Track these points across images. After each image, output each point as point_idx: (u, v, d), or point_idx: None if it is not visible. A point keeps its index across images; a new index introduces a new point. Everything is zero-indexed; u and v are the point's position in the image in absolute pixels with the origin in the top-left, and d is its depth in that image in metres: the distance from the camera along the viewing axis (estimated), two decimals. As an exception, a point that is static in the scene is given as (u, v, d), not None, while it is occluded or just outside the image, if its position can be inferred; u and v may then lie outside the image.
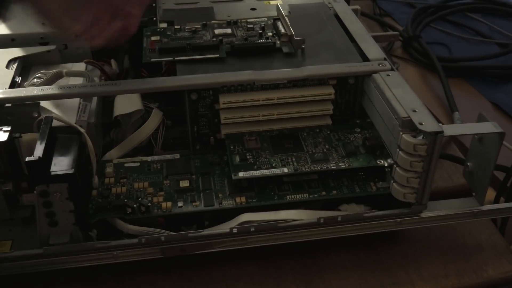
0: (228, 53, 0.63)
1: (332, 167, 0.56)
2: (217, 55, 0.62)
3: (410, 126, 0.51)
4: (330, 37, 0.68)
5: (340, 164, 0.57)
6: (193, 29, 0.67)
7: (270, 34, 0.67)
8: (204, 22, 0.68)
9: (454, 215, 0.56)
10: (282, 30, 0.67)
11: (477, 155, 0.56)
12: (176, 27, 0.68)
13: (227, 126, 0.61)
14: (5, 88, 0.59)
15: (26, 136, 0.53)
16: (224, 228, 0.54)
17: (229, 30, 0.67)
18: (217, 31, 0.67)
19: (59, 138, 0.53)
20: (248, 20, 0.70)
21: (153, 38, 0.66)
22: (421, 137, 0.51)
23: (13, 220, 0.55)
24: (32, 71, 0.64)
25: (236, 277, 0.55)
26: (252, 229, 0.53)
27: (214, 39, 0.65)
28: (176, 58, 0.62)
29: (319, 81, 0.61)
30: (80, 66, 0.66)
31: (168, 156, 0.62)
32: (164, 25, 0.72)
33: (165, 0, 0.78)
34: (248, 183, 0.57)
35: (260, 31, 0.67)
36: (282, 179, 0.58)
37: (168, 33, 0.67)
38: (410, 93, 0.55)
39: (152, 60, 0.62)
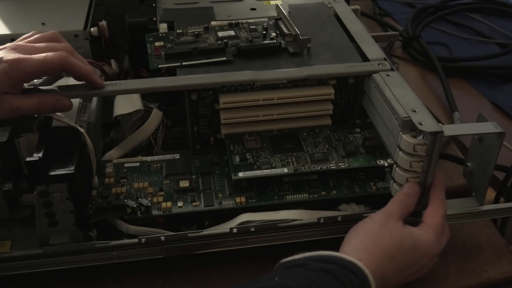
0: (235, 55, 0.63)
1: (332, 167, 0.56)
2: (224, 58, 0.62)
3: (410, 126, 0.51)
4: (330, 37, 0.68)
5: (340, 164, 0.57)
6: (196, 32, 0.67)
7: (274, 34, 0.67)
8: (206, 25, 0.68)
9: (454, 215, 0.56)
10: (285, 30, 0.67)
11: (477, 155, 0.56)
12: (178, 31, 0.67)
13: (227, 126, 0.61)
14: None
15: (26, 136, 0.53)
16: (224, 228, 0.54)
17: (232, 32, 0.67)
18: (220, 34, 0.66)
19: (59, 138, 0.53)
20: (249, 21, 0.70)
21: (156, 44, 0.65)
22: (421, 137, 0.51)
23: (13, 220, 0.55)
24: (32, 71, 0.64)
25: (236, 277, 0.55)
26: (252, 229, 0.53)
27: (219, 42, 0.64)
28: (184, 63, 0.61)
29: (319, 81, 0.61)
30: (80, 66, 0.66)
31: (168, 156, 0.62)
32: (164, 25, 0.71)
33: (165, 0, 0.78)
34: (248, 183, 0.57)
35: (264, 32, 0.67)
36: (282, 179, 0.58)
37: (171, 38, 0.67)
38: (410, 93, 0.55)
39: (160, 66, 0.62)
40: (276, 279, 0.45)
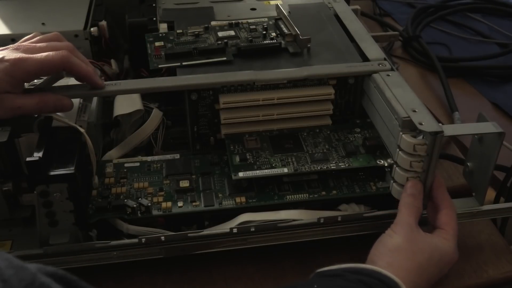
0: (235, 55, 0.63)
1: (332, 167, 0.57)
2: (224, 58, 0.62)
3: (410, 126, 0.51)
4: (330, 37, 0.68)
5: (340, 164, 0.57)
6: (196, 33, 0.67)
7: (274, 34, 0.67)
8: (206, 25, 0.68)
9: (454, 215, 0.56)
10: (285, 30, 0.67)
11: (477, 155, 0.56)
12: (178, 31, 0.67)
13: (227, 126, 0.61)
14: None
15: (26, 136, 0.53)
16: (224, 228, 0.54)
17: (232, 32, 0.67)
18: (220, 34, 0.66)
19: (59, 138, 0.53)
20: (249, 21, 0.70)
21: (156, 44, 0.65)
22: (421, 137, 0.51)
23: (13, 220, 0.55)
24: (32, 71, 0.64)
25: (236, 277, 0.55)
26: (252, 229, 0.53)
27: (219, 42, 0.64)
28: (184, 63, 0.61)
29: (319, 81, 0.61)
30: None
31: (168, 156, 0.62)
32: (164, 25, 0.71)
33: (165, 0, 0.78)
34: (248, 183, 0.57)
35: (264, 32, 0.67)
36: (282, 179, 0.58)
37: (171, 38, 0.67)
38: (410, 93, 0.55)
39: (159, 66, 0.62)
40: (315, 286, 0.45)
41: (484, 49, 1.01)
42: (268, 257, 0.56)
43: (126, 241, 0.53)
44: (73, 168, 0.49)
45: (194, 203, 0.56)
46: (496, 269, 0.57)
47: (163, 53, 0.63)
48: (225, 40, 0.64)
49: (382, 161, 0.57)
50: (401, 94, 0.55)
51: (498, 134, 0.52)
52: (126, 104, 0.64)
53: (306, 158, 0.58)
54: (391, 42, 1.00)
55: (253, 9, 0.77)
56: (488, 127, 0.52)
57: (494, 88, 0.91)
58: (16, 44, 0.53)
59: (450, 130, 0.52)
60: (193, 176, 0.59)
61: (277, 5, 0.72)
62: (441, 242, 0.51)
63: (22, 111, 0.51)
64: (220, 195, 0.56)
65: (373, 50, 0.64)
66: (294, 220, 0.54)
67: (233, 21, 0.70)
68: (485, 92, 0.90)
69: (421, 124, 0.50)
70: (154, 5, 0.75)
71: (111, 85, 0.56)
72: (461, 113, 0.79)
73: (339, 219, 0.54)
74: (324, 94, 0.61)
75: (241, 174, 0.56)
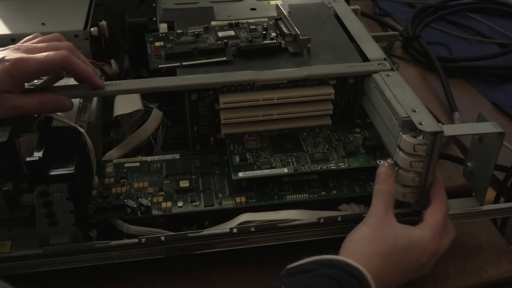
0: (235, 55, 0.63)
1: (332, 167, 0.57)
2: (224, 58, 0.62)
3: (410, 126, 0.51)
4: (330, 37, 0.68)
5: (340, 164, 0.57)
6: (196, 33, 0.67)
7: (274, 34, 0.67)
8: (206, 25, 0.68)
9: (454, 215, 0.56)
10: (285, 30, 0.67)
11: (477, 155, 0.56)
12: (178, 31, 0.68)
13: (227, 126, 0.61)
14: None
15: (26, 136, 0.53)
16: (224, 228, 0.54)
17: (232, 32, 0.67)
18: (220, 34, 0.67)
19: (59, 138, 0.53)
20: (249, 21, 0.70)
21: (156, 44, 0.65)
22: (421, 137, 0.51)
23: (13, 220, 0.55)
24: (32, 71, 0.64)
25: (236, 277, 0.55)
26: (252, 229, 0.53)
27: (219, 42, 0.64)
28: (184, 63, 0.61)
29: (319, 81, 0.61)
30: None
31: (168, 156, 0.62)
32: (164, 26, 0.71)
33: (165, 0, 0.78)
34: (248, 183, 0.57)
35: (264, 32, 0.67)
36: (282, 179, 0.58)
37: (171, 38, 0.67)
38: (410, 93, 0.55)
39: (159, 66, 0.62)
40: (282, 287, 0.45)
41: (484, 49, 1.01)
42: (268, 257, 0.56)
43: (126, 241, 0.53)
44: (73, 168, 0.49)
45: (194, 203, 0.56)
46: (496, 269, 0.57)
47: (163, 53, 0.63)
48: (225, 40, 0.64)
49: (382, 161, 0.57)
50: (401, 94, 0.55)
51: (498, 134, 0.52)
52: (126, 104, 0.65)
53: (306, 158, 0.58)
54: (391, 42, 1.00)
55: (253, 9, 0.77)
56: (488, 127, 0.52)
57: (494, 88, 0.91)
58: (16, 44, 0.54)
59: (450, 130, 0.52)
60: (193, 176, 0.59)
61: (277, 5, 0.72)
62: (412, 231, 0.51)
63: (22, 111, 0.51)
64: (220, 195, 0.56)
65: (373, 50, 0.64)
66: (294, 220, 0.54)
67: (233, 21, 0.70)
68: (485, 92, 0.90)
69: (421, 124, 0.50)
70: (154, 5, 0.75)
71: (111, 85, 0.56)
72: (461, 113, 0.79)
73: (339, 219, 0.54)
74: (324, 94, 0.61)
75: (241, 174, 0.56)
